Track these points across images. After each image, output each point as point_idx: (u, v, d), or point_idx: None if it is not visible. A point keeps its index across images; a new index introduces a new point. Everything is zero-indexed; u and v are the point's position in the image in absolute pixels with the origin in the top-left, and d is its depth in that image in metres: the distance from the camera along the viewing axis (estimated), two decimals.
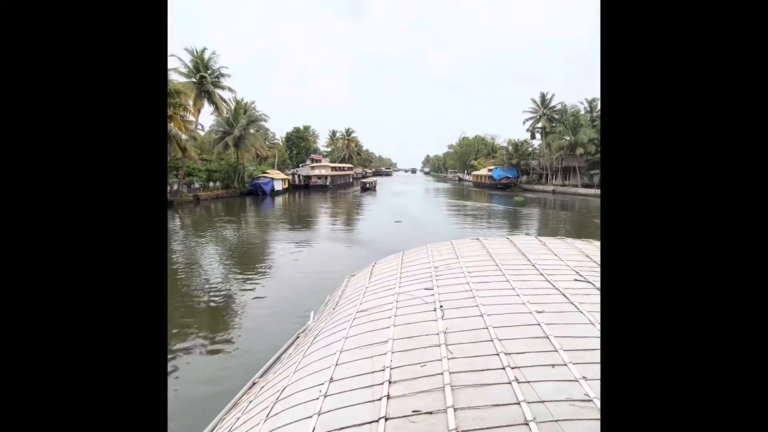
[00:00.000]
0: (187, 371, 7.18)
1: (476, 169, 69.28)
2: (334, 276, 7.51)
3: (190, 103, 31.95)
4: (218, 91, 34.99)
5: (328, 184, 56.51)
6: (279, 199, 40.86)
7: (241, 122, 39.93)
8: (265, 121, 45.61)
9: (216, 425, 3.15)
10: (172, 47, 33.03)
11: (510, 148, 59.19)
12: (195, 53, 34.22)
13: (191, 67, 33.76)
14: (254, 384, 3.61)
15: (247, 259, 15.47)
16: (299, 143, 68.07)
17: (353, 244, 18.12)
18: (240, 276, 13.10)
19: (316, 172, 56.93)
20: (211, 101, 34.17)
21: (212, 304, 10.55)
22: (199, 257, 15.67)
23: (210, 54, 34.59)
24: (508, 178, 55.39)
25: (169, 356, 7.39)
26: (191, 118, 32.62)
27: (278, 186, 45.12)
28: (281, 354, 4.23)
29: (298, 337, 4.53)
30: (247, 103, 42.32)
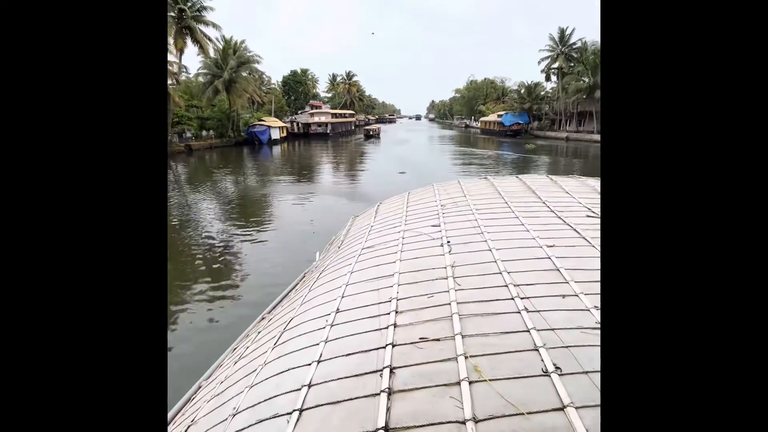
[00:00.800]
0: (201, 314, 7.32)
1: (484, 115, 65.46)
2: (335, 229, 7.00)
3: (171, 41, 28.15)
4: (201, 27, 31.28)
5: (328, 132, 53.84)
6: (277, 149, 38.94)
7: (230, 64, 36.28)
8: (258, 63, 41.11)
9: (227, 354, 3.17)
10: None
11: (522, 91, 54.40)
12: None
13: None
14: (263, 318, 3.59)
15: (248, 214, 14.91)
16: (297, 88, 63.79)
17: (355, 199, 17.15)
18: (242, 230, 12.66)
19: (316, 119, 53.89)
20: (194, 39, 30.62)
21: (217, 255, 10.32)
22: (198, 212, 15.02)
23: None
24: (519, 124, 51.94)
25: (183, 305, 7.57)
26: (172, 59, 29.02)
27: (275, 134, 42.80)
28: (289, 291, 4.12)
29: (304, 276, 4.46)
30: (236, 42, 38.25)
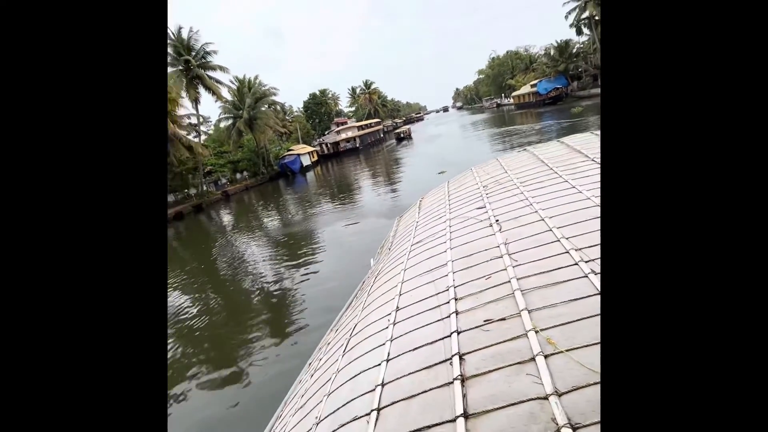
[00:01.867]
0: (282, 348, 7.88)
1: (515, 89, 63.17)
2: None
3: (184, 95, 30.34)
4: (210, 72, 32.75)
5: (358, 145, 55.21)
6: (311, 175, 40.50)
7: (247, 102, 38.58)
8: (275, 94, 43.26)
9: (304, 370, 3.36)
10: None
11: (552, 52, 51.85)
12: (172, 36, 31.12)
13: (172, 53, 30.81)
14: (331, 331, 3.79)
15: (294, 250, 15.37)
16: (319, 110, 66.06)
17: (398, 213, 16.79)
18: (293, 268, 13.13)
19: (343, 135, 55.47)
20: (206, 86, 32.30)
21: (274, 297, 10.82)
22: (248, 260, 15.62)
23: (188, 32, 31.69)
24: (558, 89, 49.67)
25: (277, 338, 8.19)
26: (181, 111, 31.02)
27: (306, 161, 44.59)
28: (351, 301, 4.30)
29: (363, 283, 4.62)
30: (250, 79, 40.61)
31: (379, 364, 2.08)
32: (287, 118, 57.59)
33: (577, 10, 46.20)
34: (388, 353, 2.12)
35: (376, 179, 29.03)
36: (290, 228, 18.91)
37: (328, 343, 3.21)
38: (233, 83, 39.40)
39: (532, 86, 53.43)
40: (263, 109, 39.62)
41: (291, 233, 17.72)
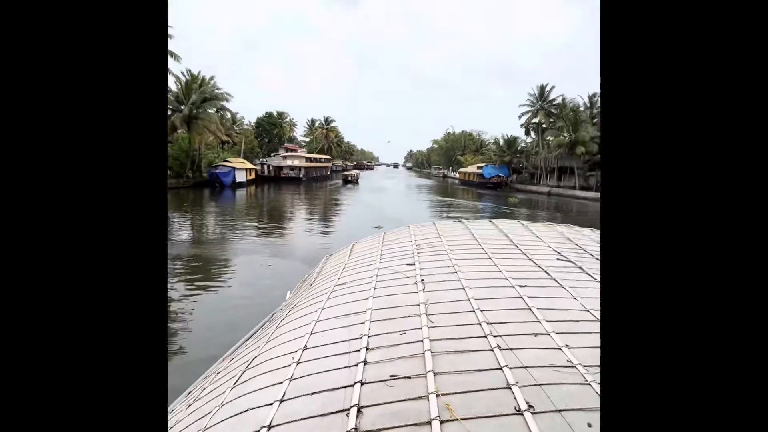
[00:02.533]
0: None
1: (463, 166, 68.51)
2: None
3: None
4: None
5: (301, 176, 54.83)
6: (241, 192, 38.91)
7: (192, 98, 36.80)
8: (227, 100, 42.05)
9: (180, 400, 3.17)
10: None
11: (502, 143, 57.95)
12: None
13: None
14: (224, 359, 3.63)
15: (199, 267, 14.32)
16: (271, 130, 65.09)
17: (323, 257, 16.34)
18: (194, 284, 12.29)
19: (288, 162, 54.97)
20: None
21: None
22: None
23: None
24: (499, 176, 54.72)
25: None
26: None
27: (241, 177, 42.95)
28: (255, 331, 4.20)
29: (273, 315, 4.56)
30: (204, 77, 39.26)
31: (271, 404, 2.00)
32: (235, 128, 56.01)
33: (530, 114, 52.99)
34: (284, 393, 2.06)
35: (310, 216, 28.68)
36: (201, 246, 17.42)
37: (217, 372, 3.09)
38: (184, 75, 37.94)
39: (479, 168, 58.43)
40: (209, 111, 38.15)
41: (199, 253, 16.15)
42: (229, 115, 44.28)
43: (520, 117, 54.00)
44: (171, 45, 31.45)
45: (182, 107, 36.55)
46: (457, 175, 71.61)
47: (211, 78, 39.78)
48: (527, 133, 55.93)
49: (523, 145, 57.90)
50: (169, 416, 2.82)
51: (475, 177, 58.22)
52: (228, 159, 43.93)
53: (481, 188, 53.83)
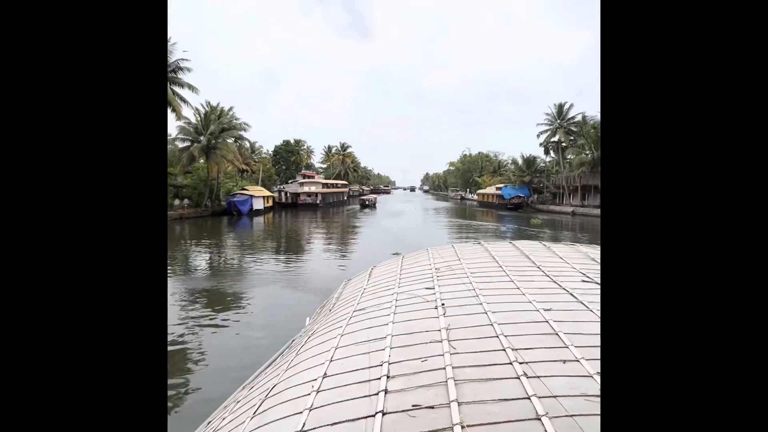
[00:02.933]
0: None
1: (480, 187, 67.33)
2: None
3: None
4: (176, 88, 31.72)
5: (318, 202, 54.70)
6: (259, 220, 38.83)
7: (211, 128, 37.49)
8: (245, 130, 42.87)
9: (201, 429, 3.12)
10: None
11: (521, 163, 56.50)
12: None
13: None
14: (244, 388, 3.55)
15: (215, 298, 14.08)
16: (288, 158, 65.77)
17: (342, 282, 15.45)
18: (207, 318, 11.91)
19: (305, 188, 55.08)
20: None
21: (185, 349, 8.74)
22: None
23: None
24: (520, 197, 53.27)
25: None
26: None
27: (258, 204, 43.12)
28: (275, 358, 4.09)
29: (293, 341, 4.46)
30: (223, 108, 40.28)
31: None
32: (254, 156, 56.83)
33: (549, 133, 51.95)
34: (304, 424, 1.99)
35: (327, 244, 28.22)
36: (216, 279, 16.91)
37: (237, 401, 3.04)
38: (203, 107, 38.68)
39: (498, 189, 57.22)
40: (229, 141, 38.62)
41: (214, 286, 15.79)
42: (247, 144, 44.71)
43: (538, 136, 53.25)
44: (190, 78, 32.48)
45: (201, 138, 37.32)
46: (476, 197, 70.54)
47: (230, 109, 40.86)
48: (546, 152, 54.82)
49: (542, 164, 56.52)
50: None
51: (495, 198, 57.01)
52: (246, 187, 44.40)
53: (502, 209, 52.51)
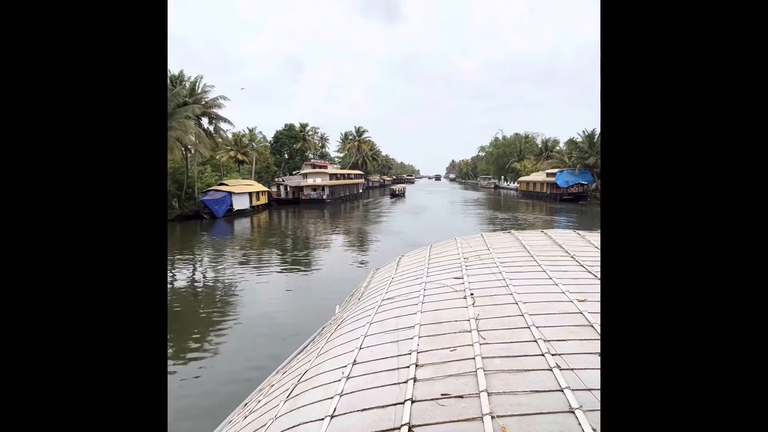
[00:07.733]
0: None
1: (521, 174, 55.08)
2: None
3: None
4: None
5: (325, 197, 44.10)
6: (243, 223, 28.72)
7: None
8: (220, 107, 32.10)
9: (237, 411, 3.26)
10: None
11: (580, 140, 43.55)
12: None
13: None
14: (278, 372, 3.64)
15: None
16: (291, 144, 55.23)
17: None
18: None
19: (310, 181, 44.71)
20: None
21: None
22: None
23: None
24: (582, 185, 40.90)
25: None
26: None
27: (242, 203, 32.93)
28: (307, 344, 4.08)
29: (323, 328, 4.46)
30: (189, 78, 29.44)
31: (322, 419, 1.99)
32: (253, 144, 47.00)
33: None
34: (335, 408, 2.03)
35: (326, 261, 17.86)
36: None
37: (271, 385, 3.16)
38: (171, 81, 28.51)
39: (549, 175, 44.97)
40: (188, 120, 27.11)
41: None
42: (227, 126, 34.20)
43: None
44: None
45: None
46: (516, 185, 58.38)
47: (198, 79, 30.42)
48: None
49: None
50: (227, 427, 2.97)
51: (545, 187, 44.97)
52: (225, 182, 34.30)
53: (555, 201, 40.55)
